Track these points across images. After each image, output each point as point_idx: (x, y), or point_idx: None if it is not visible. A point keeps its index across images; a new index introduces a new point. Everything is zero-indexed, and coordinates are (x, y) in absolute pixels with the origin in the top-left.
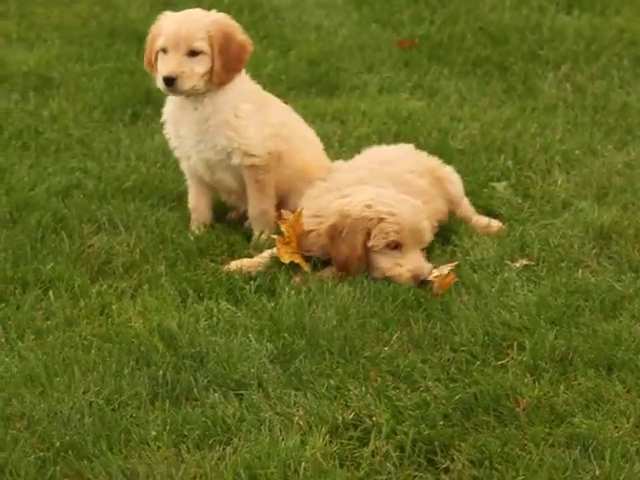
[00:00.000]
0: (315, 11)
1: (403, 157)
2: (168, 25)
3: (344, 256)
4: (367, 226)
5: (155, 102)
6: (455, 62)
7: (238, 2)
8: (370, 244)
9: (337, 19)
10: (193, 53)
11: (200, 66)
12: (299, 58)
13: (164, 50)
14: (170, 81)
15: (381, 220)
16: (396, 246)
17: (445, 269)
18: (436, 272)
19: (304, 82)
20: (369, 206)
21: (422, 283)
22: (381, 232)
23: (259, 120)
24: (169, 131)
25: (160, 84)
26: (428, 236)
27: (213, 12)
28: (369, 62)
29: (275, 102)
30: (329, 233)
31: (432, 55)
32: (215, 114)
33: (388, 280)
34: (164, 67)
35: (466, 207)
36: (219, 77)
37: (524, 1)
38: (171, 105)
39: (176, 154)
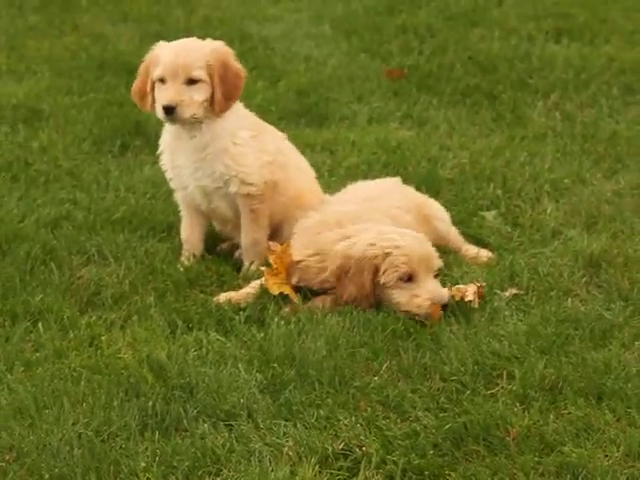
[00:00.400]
0: (304, 42)
1: (390, 192)
2: (165, 54)
3: (353, 296)
4: (374, 263)
5: (144, 134)
6: (444, 92)
7: (228, 33)
8: (382, 281)
9: (326, 49)
10: (192, 81)
11: (199, 94)
12: (288, 88)
13: (162, 80)
14: (170, 110)
15: (388, 255)
16: (409, 278)
17: (471, 287)
18: (469, 290)
19: (294, 112)
20: (372, 244)
21: (444, 308)
22: (390, 266)
23: (256, 147)
24: (165, 162)
25: (160, 113)
26: (437, 261)
27: (209, 40)
28: (358, 92)
29: (270, 129)
30: (336, 275)
31: (421, 85)
32: (213, 141)
33: (406, 314)
34: (163, 96)
35: (455, 237)
36: (220, 105)
37: (513, 31)
38: (167, 135)
39: (172, 185)
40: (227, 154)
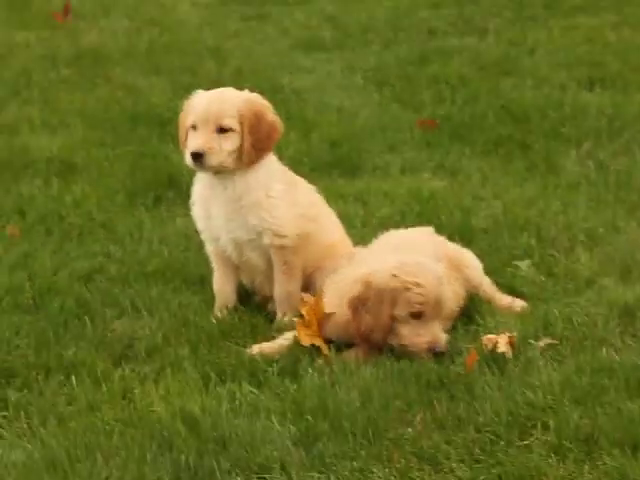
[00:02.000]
0: (336, 92)
1: (421, 241)
2: (199, 103)
3: (369, 327)
4: (394, 295)
5: (177, 186)
6: (477, 141)
7: (259, 85)
8: (395, 313)
9: (358, 100)
10: (222, 130)
11: (228, 143)
12: (321, 139)
13: (194, 127)
14: (197, 156)
15: (407, 290)
16: (418, 315)
17: (502, 337)
18: (500, 341)
19: (326, 163)
20: (395, 276)
21: (437, 355)
22: (407, 302)
23: (289, 200)
24: (198, 212)
25: (188, 160)
26: (449, 307)
27: (245, 92)
28: (390, 142)
29: (301, 182)
30: (352, 304)
31: (454, 135)
32: (247, 193)
33: (404, 349)
34: (193, 143)
35: (488, 287)
36: (249, 156)
37: (545, 79)
38: (200, 185)
39: (203, 236)
40: (261, 206)
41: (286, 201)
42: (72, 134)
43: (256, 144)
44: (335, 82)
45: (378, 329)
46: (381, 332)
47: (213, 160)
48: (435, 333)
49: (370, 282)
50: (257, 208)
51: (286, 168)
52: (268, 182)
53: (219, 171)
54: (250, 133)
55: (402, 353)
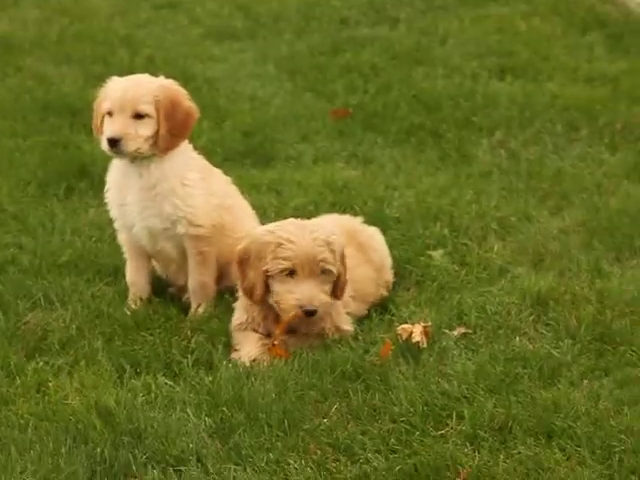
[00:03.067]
0: (249, 82)
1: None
2: (115, 89)
3: (250, 282)
4: (266, 250)
5: (89, 176)
6: (389, 130)
7: (172, 74)
8: (265, 267)
9: (270, 89)
10: (138, 116)
11: (145, 129)
12: (234, 129)
13: (110, 113)
14: (114, 142)
15: (279, 245)
16: (291, 273)
17: (417, 327)
18: (415, 330)
19: (239, 153)
20: (271, 232)
21: (308, 314)
22: (276, 257)
23: (205, 190)
24: (112, 199)
25: (104, 146)
26: (329, 267)
27: (161, 78)
28: (304, 132)
29: (217, 172)
30: (238, 259)
31: (366, 124)
32: (161, 181)
33: (276, 304)
34: (109, 129)
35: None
36: (165, 142)
37: (457, 69)
38: (115, 172)
39: (116, 225)
40: (175, 195)
41: (202, 190)
42: None
43: (172, 130)
44: (247, 71)
45: (258, 284)
46: (260, 288)
47: (130, 146)
48: (306, 292)
49: (252, 237)
50: (172, 196)
51: (201, 157)
52: (184, 170)
53: (135, 157)
54: (166, 119)
55: (279, 312)
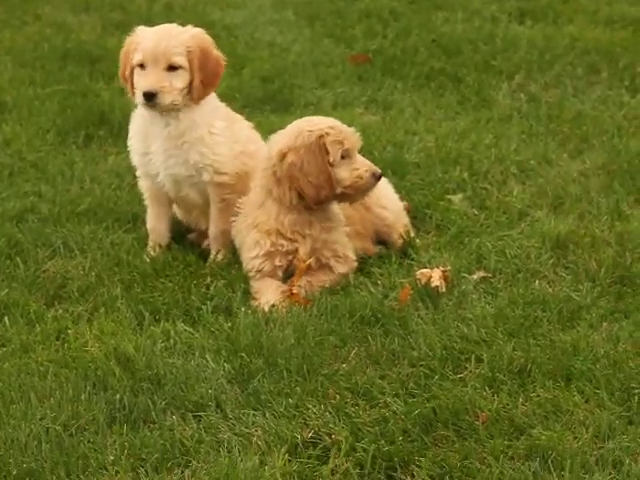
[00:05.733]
0: (268, 28)
1: None
2: (145, 40)
3: (314, 187)
4: (322, 143)
5: (109, 123)
6: (409, 75)
7: (190, 21)
8: (331, 159)
9: (290, 36)
10: (172, 68)
11: (179, 81)
12: (252, 75)
13: (142, 65)
14: (150, 96)
15: (328, 134)
16: (346, 153)
17: (436, 271)
18: (434, 275)
19: (258, 99)
20: (310, 131)
21: (378, 178)
22: (335, 143)
23: (230, 137)
24: (135, 148)
25: (139, 99)
26: (359, 139)
27: (190, 27)
28: (323, 78)
29: (240, 119)
30: (289, 175)
31: (386, 69)
32: (190, 130)
33: (350, 189)
34: (143, 82)
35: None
36: (197, 92)
37: (476, 12)
38: (140, 121)
39: (138, 172)
40: (203, 143)
41: (227, 138)
42: (1, 73)
43: (205, 80)
44: (266, 18)
45: (324, 183)
46: (328, 184)
47: (166, 99)
48: (366, 161)
49: (297, 146)
50: (199, 144)
51: (225, 105)
52: (211, 119)
53: (170, 109)
54: (199, 70)
55: (349, 199)
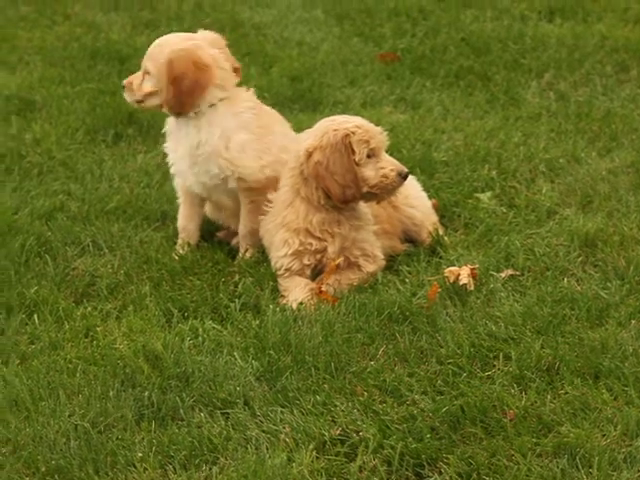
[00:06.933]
0: (297, 27)
1: None
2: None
3: (341, 185)
4: (348, 142)
5: (137, 122)
6: (438, 74)
7: (220, 20)
8: (357, 158)
9: (319, 34)
10: (147, 72)
11: (146, 85)
12: (281, 74)
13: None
14: (123, 88)
15: (354, 134)
16: (372, 152)
17: (464, 269)
18: (462, 273)
19: (287, 98)
20: (336, 130)
21: (405, 177)
22: (361, 142)
23: (258, 149)
24: (169, 146)
25: None
26: (386, 138)
27: (192, 40)
28: (351, 76)
29: (277, 123)
30: (314, 172)
31: (414, 68)
32: (205, 143)
33: (375, 188)
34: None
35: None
36: (167, 104)
37: (505, 11)
38: (172, 120)
39: (172, 170)
40: (220, 156)
41: (252, 150)
42: (31, 72)
43: (177, 96)
44: (295, 16)
45: (350, 182)
46: (354, 183)
47: (127, 96)
48: (392, 161)
49: (323, 145)
50: (216, 158)
51: (263, 109)
52: (229, 133)
53: (144, 109)
54: (172, 84)
55: (375, 198)
